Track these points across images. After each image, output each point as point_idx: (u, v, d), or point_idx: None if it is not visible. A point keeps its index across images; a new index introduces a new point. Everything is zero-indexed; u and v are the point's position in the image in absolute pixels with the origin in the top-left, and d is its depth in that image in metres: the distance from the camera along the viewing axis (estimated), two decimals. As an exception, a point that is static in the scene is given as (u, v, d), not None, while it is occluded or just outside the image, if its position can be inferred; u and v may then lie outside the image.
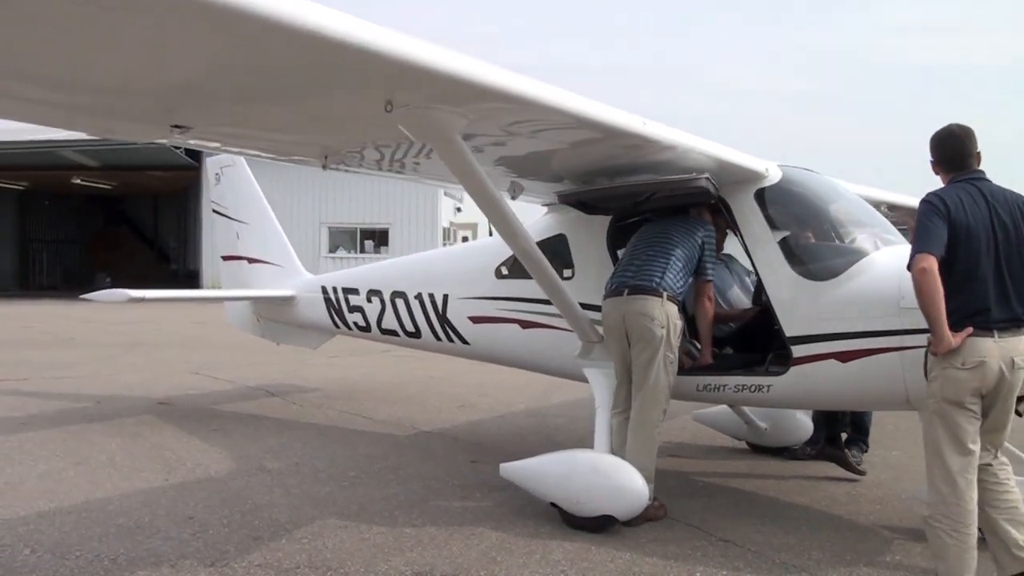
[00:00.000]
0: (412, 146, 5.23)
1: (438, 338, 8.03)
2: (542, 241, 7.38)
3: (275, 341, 10.31)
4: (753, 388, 6.15)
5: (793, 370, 5.92)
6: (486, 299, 7.58)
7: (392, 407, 10.29)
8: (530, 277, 7.48)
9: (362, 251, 34.77)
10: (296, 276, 9.89)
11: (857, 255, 5.94)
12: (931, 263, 4.43)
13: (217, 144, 5.77)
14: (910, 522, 6.13)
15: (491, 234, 8.61)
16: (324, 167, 5.60)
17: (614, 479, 5.78)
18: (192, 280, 37.22)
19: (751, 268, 6.63)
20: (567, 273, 7.06)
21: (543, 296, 7.09)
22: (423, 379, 12.63)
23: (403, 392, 11.52)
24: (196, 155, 30.02)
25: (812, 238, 6.32)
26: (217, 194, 10.46)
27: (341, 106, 4.52)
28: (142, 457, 7.72)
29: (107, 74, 3.76)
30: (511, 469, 6.27)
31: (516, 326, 7.35)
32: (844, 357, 5.74)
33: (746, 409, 7.88)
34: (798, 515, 6.35)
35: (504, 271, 7.55)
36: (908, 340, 5.49)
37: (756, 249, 6.11)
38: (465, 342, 7.81)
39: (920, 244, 4.51)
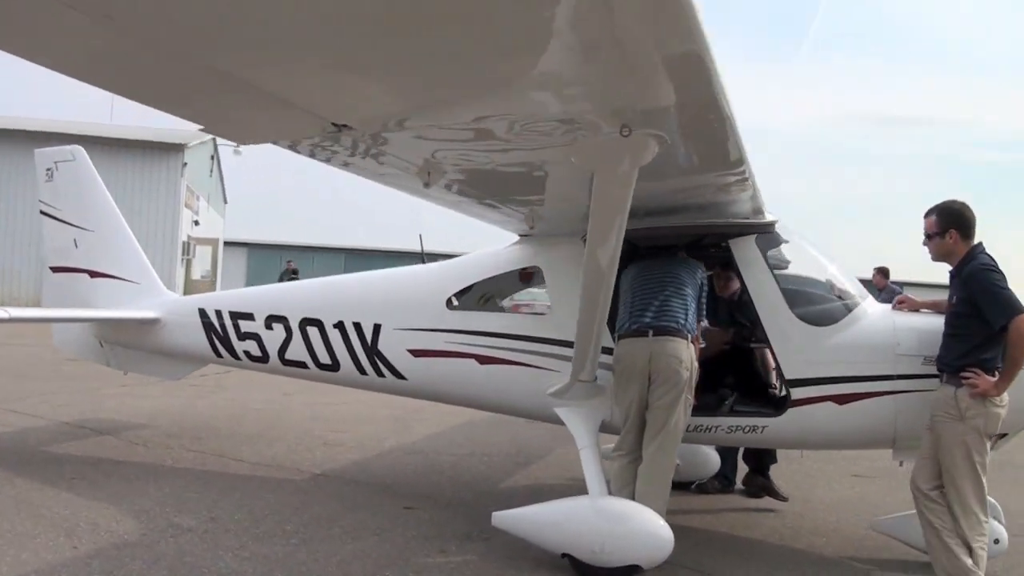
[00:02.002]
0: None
1: (363, 372, 7.26)
2: (512, 273, 7.04)
3: (122, 370, 8.77)
4: (747, 429, 6.21)
5: (791, 411, 6.06)
6: (433, 331, 6.97)
7: (253, 446, 9.18)
8: (488, 309, 7.12)
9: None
10: (158, 295, 8.49)
11: (852, 303, 6.23)
12: None
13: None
14: (867, 552, 6.59)
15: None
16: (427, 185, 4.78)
17: (640, 526, 5.55)
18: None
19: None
20: (540, 308, 6.73)
21: (506, 330, 6.74)
22: (252, 412, 11.55)
23: (248, 428, 10.36)
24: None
25: (809, 285, 6.55)
26: (48, 193, 8.68)
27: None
28: (19, 518, 6.21)
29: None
30: (508, 519, 5.82)
31: (472, 361, 6.82)
32: (841, 400, 5.99)
33: None
34: (765, 550, 6.57)
35: (456, 302, 7.03)
36: (901, 385, 5.90)
37: (758, 293, 6.19)
38: (400, 377, 7.12)
39: (1018, 305, 5.09)
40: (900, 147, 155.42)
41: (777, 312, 6.13)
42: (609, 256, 4.91)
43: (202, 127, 3.74)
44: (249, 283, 37.68)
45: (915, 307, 6.20)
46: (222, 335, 7.79)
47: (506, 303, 7.63)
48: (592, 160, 4.09)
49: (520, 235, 7.06)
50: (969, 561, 5.11)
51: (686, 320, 5.91)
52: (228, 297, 8.29)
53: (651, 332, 5.85)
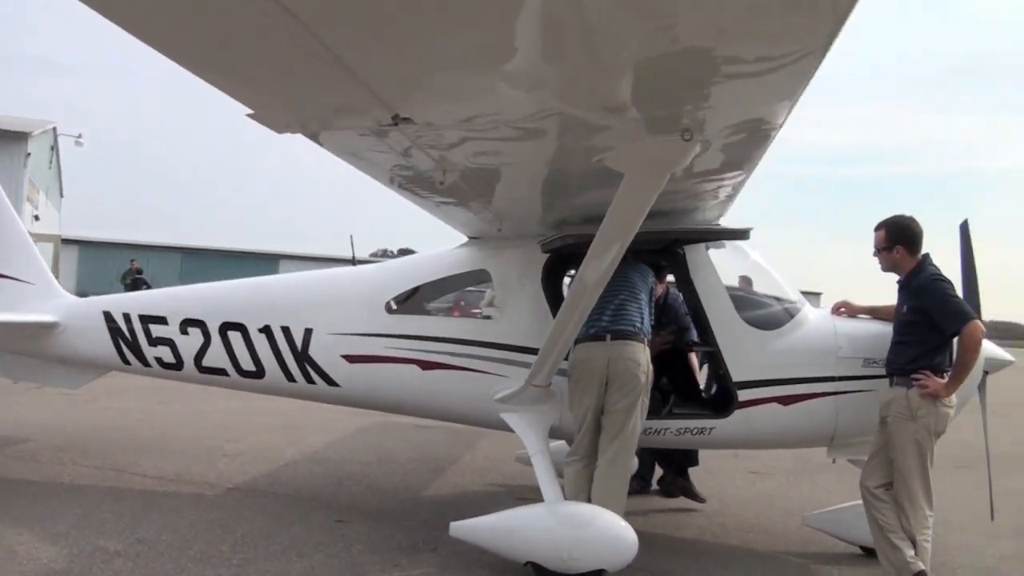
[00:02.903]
0: None
1: (291, 379, 6.86)
2: (457, 276, 6.86)
3: (11, 378, 7.91)
4: (696, 431, 6.31)
5: (737, 413, 6.21)
6: (370, 336, 6.69)
7: (151, 459, 8.53)
8: (431, 313, 6.91)
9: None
10: (55, 298, 7.69)
11: (795, 308, 6.44)
12: None
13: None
14: (797, 546, 6.85)
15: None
16: None
17: (605, 529, 5.52)
18: None
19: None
20: (488, 311, 6.58)
21: (451, 334, 6.57)
22: (135, 423, 10.84)
23: (137, 440, 9.68)
24: None
25: (756, 290, 6.71)
26: (-81, 183, 7.72)
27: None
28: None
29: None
30: (467, 529, 5.66)
31: (414, 367, 6.58)
32: (786, 401, 6.19)
33: None
34: (705, 549, 6.74)
35: (394, 305, 6.78)
36: (842, 386, 6.17)
37: (708, 298, 6.28)
38: (333, 384, 6.78)
39: (970, 312, 5.42)
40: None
41: (726, 316, 6.26)
42: (611, 261, 4.84)
43: (249, 110, 3.34)
44: (80, 286, 34.95)
45: (854, 312, 6.48)
46: (131, 341, 7.19)
47: (452, 306, 7.41)
48: (642, 162, 3.92)
49: (469, 237, 6.89)
50: (911, 553, 5.38)
51: (642, 324, 5.94)
52: (138, 299, 7.67)
53: (609, 336, 5.83)
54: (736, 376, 6.21)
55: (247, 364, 6.94)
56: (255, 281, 7.71)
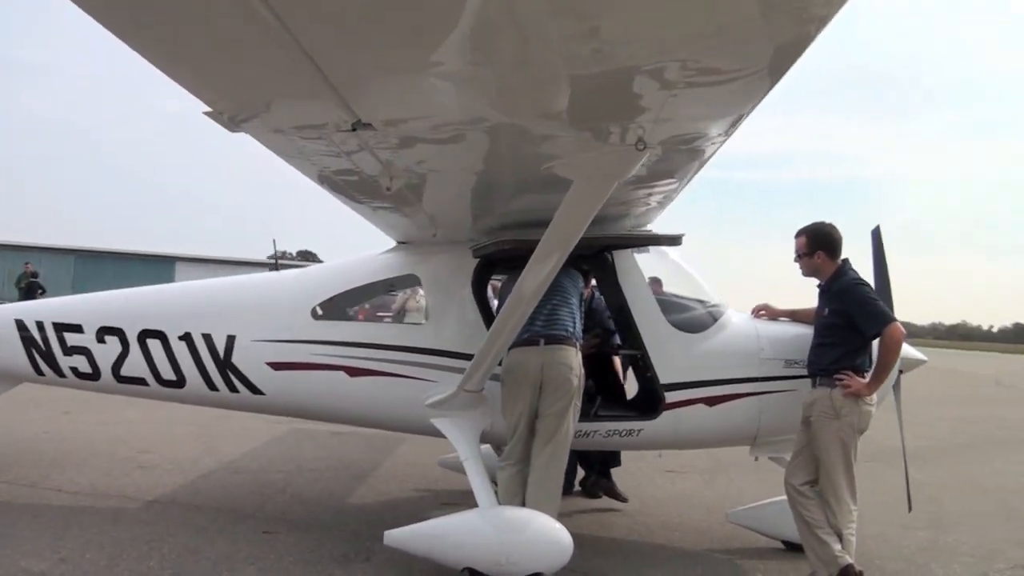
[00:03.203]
0: None
1: (213, 388, 6.67)
2: (385, 281, 6.81)
3: (-91, 392, 7.44)
4: (624, 433, 6.42)
5: (665, 414, 6.35)
6: (297, 342, 6.57)
7: (64, 473, 8.21)
8: (358, 318, 6.85)
9: None
10: (-41, 305, 7.32)
11: (718, 311, 6.61)
12: None
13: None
14: (720, 543, 7.04)
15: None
16: None
17: (540, 532, 5.57)
18: None
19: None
20: (417, 317, 6.55)
21: (380, 340, 6.52)
22: (41, 435, 10.42)
23: (46, 453, 9.28)
24: None
25: (681, 294, 6.84)
26: None
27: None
28: None
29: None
30: (402, 536, 5.64)
31: (342, 374, 6.50)
32: (711, 402, 6.36)
33: None
34: (633, 548, 6.87)
35: (321, 311, 6.68)
36: (765, 386, 6.39)
37: (636, 302, 6.39)
38: (257, 392, 6.62)
39: (890, 314, 5.68)
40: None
41: (653, 320, 6.39)
42: (553, 267, 4.87)
43: (207, 108, 3.22)
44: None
45: (774, 315, 6.70)
46: (44, 350, 6.88)
47: (380, 311, 7.34)
48: (591, 171, 3.94)
49: (398, 241, 6.85)
50: (839, 547, 5.60)
51: (574, 328, 6.02)
52: (51, 306, 7.31)
53: (542, 341, 5.89)
54: (664, 378, 6.34)
55: (167, 373, 6.73)
56: (175, 287, 7.51)
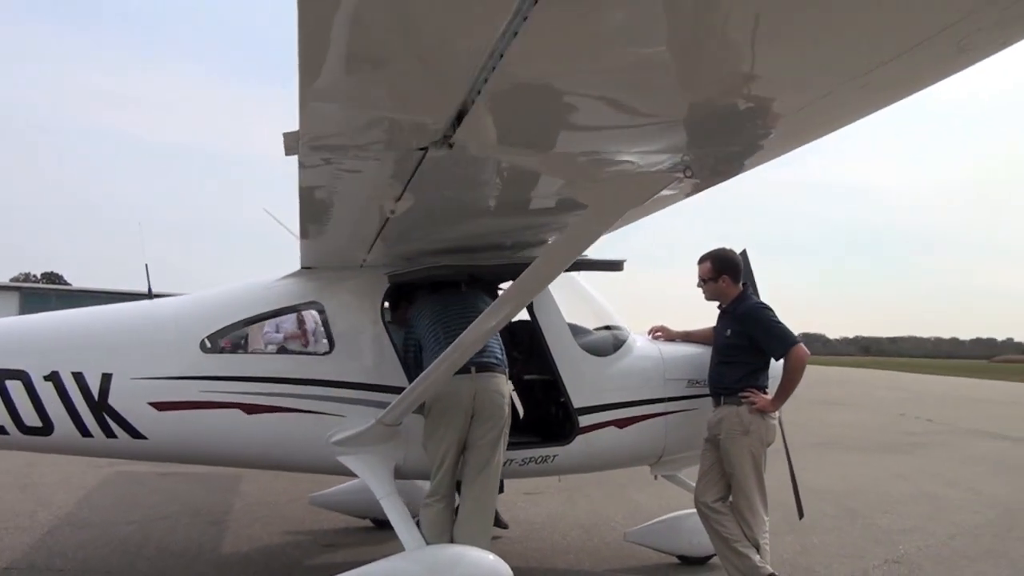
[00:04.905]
0: None
1: (87, 434, 5.88)
2: (286, 308, 6.35)
3: None
4: (540, 459, 6.34)
5: (578, 439, 6.34)
6: (184, 379, 5.96)
7: None
8: (255, 351, 6.37)
9: None
10: None
11: (623, 334, 6.70)
12: None
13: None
14: (618, 562, 7.18)
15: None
16: None
17: (476, 567, 5.37)
18: None
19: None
20: (320, 347, 6.15)
21: (279, 374, 6.08)
22: None
23: None
24: None
25: (588, 317, 6.84)
26: None
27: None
28: None
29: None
30: None
31: (237, 412, 5.97)
32: (622, 424, 6.44)
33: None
34: (536, 574, 6.77)
35: (211, 344, 6.09)
36: (671, 406, 6.56)
37: (549, 328, 6.34)
38: (139, 436, 5.92)
39: (794, 336, 5.99)
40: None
41: (566, 345, 6.38)
42: (534, 293, 4.72)
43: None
44: None
45: (671, 337, 6.90)
46: None
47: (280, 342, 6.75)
48: (614, 195, 3.69)
49: (304, 267, 6.40)
50: (758, 557, 5.84)
51: (502, 355, 5.90)
52: None
53: (474, 368, 5.71)
54: (577, 402, 6.34)
55: (31, 419, 5.84)
56: (37, 318, 6.57)
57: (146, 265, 7.03)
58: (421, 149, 3.14)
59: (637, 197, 3.67)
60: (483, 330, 4.88)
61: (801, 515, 6.56)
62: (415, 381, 5.43)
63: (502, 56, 2.31)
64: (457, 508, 5.81)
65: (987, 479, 12.15)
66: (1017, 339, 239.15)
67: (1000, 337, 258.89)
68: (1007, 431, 19.24)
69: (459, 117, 2.80)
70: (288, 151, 3.40)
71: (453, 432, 5.69)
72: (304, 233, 5.39)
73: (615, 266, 6.36)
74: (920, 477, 12.14)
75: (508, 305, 4.80)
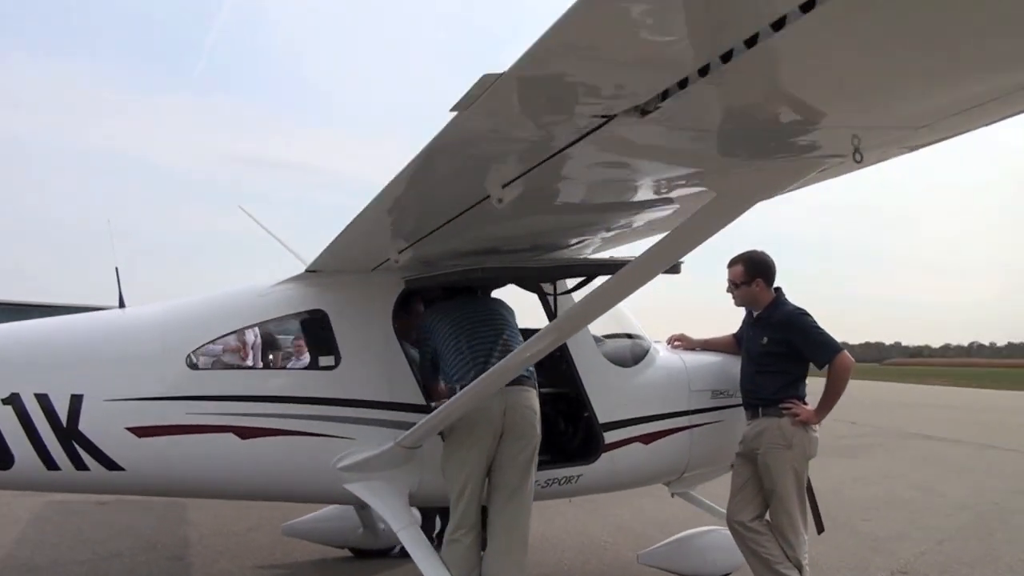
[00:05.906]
0: None
1: (52, 466, 5.06)
2: (286, 317, 5.65)
3: None
4: (563, 480, 5.83)
5: (604, 456, 5.87)
6: (167, 399, 5.21)
7: None
8: (251, 366, 5.67)
9: None
10: None
11: (647, 343, 6.25)
12: None
13: None
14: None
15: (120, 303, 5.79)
16: None
17: None
18: None
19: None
20: (326, 360, 5.47)
21: (278, 392, 5.40)
22: None
23: None
24: None
25: (610, 325, 6.35)
26: None
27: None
28: None
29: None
30: None
31: (230, 436, 5.25)
32: (647, 439, 5.99)
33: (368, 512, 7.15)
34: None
35: (200, 359, 5.36)
36: (696, 419, 6.16)
37: (573, 338, 5.82)
38: (115, 467, 5.12)
39: (837, 343, 5.65)
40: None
41: (589, 355, 5.90)
42: (622, 294, 4.17)
43: None
44: None
45: (691, 346, 6.50)
46: None
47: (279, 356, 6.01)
48: (749, 184, 3.22)
49: (308, 270, 5.70)
50: None
51: (532, 367, 5.35)
52: None
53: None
54: (602, 417, 5.87)
55: (-14, 450, 5.03)
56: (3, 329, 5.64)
57: (116, 268, 6.19)
58: (604, 117, 2.58)
59: (782, 183, 3.21)
60: (540, 347, 4.37)
61: (820, 529, 6.18)
62: (453, 397, 4.84)
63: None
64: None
65: (943, 481, 12.29)
66: (904, 343, 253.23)
67: (888, 341, 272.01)
68: (931, 432, 19.75)
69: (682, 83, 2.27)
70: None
71: (478, 453, 5.09)
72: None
73: (673, 268, 5.93)
74: (881, 480, 12.19)
75: (596, 305, 4.26)
